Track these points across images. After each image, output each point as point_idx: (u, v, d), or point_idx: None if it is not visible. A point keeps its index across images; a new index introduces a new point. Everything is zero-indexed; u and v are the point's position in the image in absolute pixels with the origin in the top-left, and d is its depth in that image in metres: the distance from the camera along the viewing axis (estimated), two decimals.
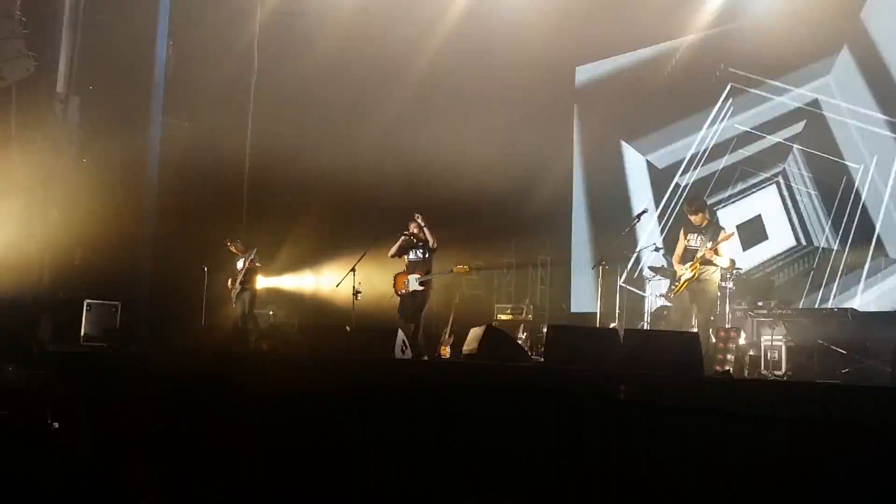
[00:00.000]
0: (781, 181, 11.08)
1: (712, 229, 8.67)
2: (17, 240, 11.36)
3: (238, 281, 11.46)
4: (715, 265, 8.61)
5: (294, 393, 5.58)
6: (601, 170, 13.23)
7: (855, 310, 9.51)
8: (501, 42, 12.93)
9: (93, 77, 12.15)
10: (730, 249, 8.79)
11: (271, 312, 12.81)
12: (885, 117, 10.12)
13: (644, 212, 9.27)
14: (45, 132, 11.62)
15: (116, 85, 12.27)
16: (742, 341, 9.20)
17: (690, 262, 8.63)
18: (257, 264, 11.56)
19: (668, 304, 9.86)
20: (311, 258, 13.12)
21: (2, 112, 11.52)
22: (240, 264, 11.56)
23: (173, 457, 5.95)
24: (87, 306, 11.50)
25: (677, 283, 8.79)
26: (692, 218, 8.72)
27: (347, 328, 9.43)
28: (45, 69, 11.89)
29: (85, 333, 11.36)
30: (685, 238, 8.83)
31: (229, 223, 12.80)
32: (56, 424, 6.81)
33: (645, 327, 10.15)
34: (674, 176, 12.01)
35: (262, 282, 12.05)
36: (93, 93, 12.12)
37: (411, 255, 9.93)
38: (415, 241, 9.86)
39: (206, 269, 11.53)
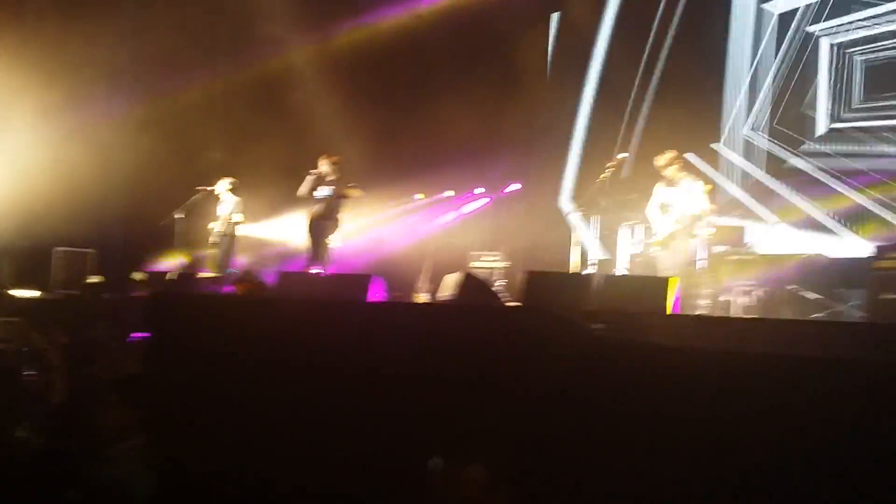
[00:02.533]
0: None
1: (686, 182, 8.70)
2: None
3: (219, 227, 11.34)
4: (694, 216, 8.67)
5: (269, 336, 5.56)
6: None
7: (826, 255, 9.62)
8: None
9: (60, 23, 11.85)
10: (704, 198, 8.82)
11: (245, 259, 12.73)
12: None
13: (623, 159, 9.26)
14: (12, 81, 11.35)
15: (84, 30, 11.99)
16: (716, 287, 9.31)
17: (670, 217, 8.72)
18: (237, 218, 11.38)
19: (644, 251, 9.92)
20: (285, 205, 13.03)
21: None
22: (222, 209, 11.40)
23: (150, 401, 5.93)
24: (55, 254, 11.36)
25: (658, 236, 8.87)
26: (664, 173, 8.74)
27: (321, 273, 9.43)
28: (11, 19, 11.58)
29: (54, 280, 11.25)
30: (661, 190, 8.87)
31: (204, 169, 12.65)
32: (29, 372, 6.77)
33: (620, 272, 10.21)
34: None
35: (241, 228, 11.93)
36: (62, 37, 11.82)
37: (318, 193, 10.00)
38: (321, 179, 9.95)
39: (180, 216, 11.38)
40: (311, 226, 9.98)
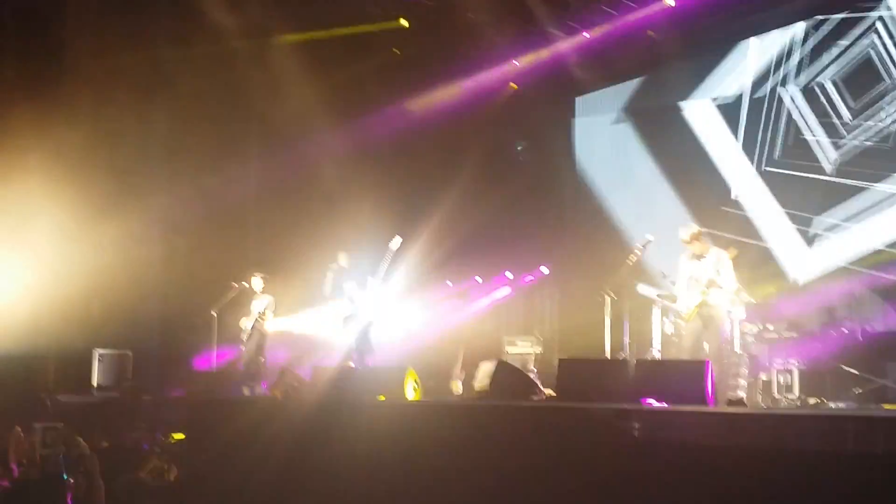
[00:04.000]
0: None
1: (713, 254, 8.64)
2: (26, 290, 11.42)
3: (251, 324, 11.44)
4: (721, 288, 8.57)
5: (305, 439, 5.61)
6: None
7: (865, 329, 9.51)
8: None
9: (91, 122, 12.26)
10: (732, 272, 8.73)
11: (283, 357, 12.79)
12: None
13: (649, 241, 9.26)
14: (44, 182, 11.71)
15: (116, 131, 12.37)
16: (754, 366, 9.20)
17: (697, 289, 8.62)
18: (269, 315, 11.48)
19: (677, 331, 9.84)
20: (319, 299, 13.16)
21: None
22: (255, 305, 11.54)
23: None
24: (97, 356, 11.53)
25: (687, 311, 8.74)
26: (689, 247, 8.67)
27: (356, 368, 9.45)
28: (42, 112, 12.00)
29: (97, 383, 11.38)
30: (687, 263, 8.80)
31: (236, 266, 12.84)
32: (71, 479, 6.82)
33: (655, 355, 10.13)
34: None
35: (273, 324, 12.00)
36: (92, 139, 12.22)
37: (349, 289, 10.06)
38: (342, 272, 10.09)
39: (215, 314, 11.51)
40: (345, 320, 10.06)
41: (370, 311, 10.13)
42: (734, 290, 8.90)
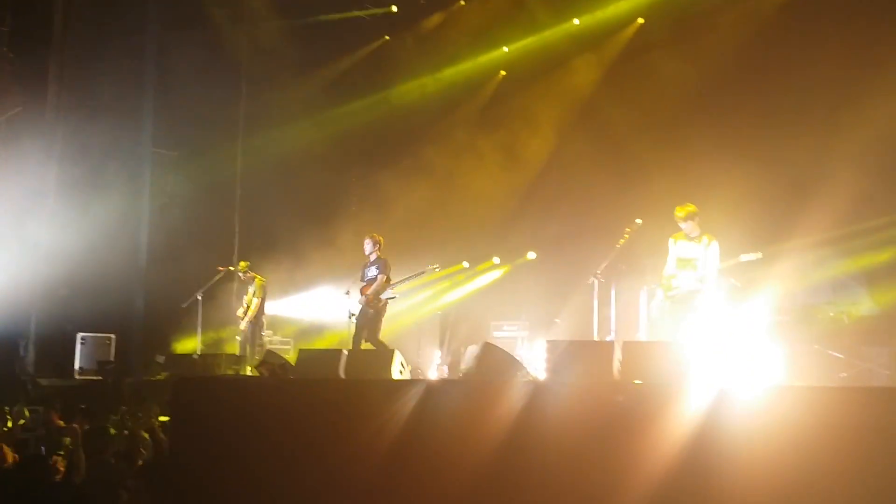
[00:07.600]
0: None
1: (704, 238, 8.58)
2: (5, 272, 11.30)
3: (247, 310, 11.28)
4: (707, 274, 8.52)
5: (291, 417, 5.55)
6: None
7: (850, 313, 9.52)
8: None
9: (80, 109, 12.15)
10: (718, 257, 8.67)
11: (266, 336, 12.71)
12: None
13: (637, 223, 9.21)
14: (32, 165, 11.58)
15: (105, 116, 12.26)
16: (737, 347, 9.17)
17: (693, 273, 8.55)
18: (255, 301, 11.33)
19: (662, 314, 9.80)
20: (305, 281, 13.09)
21: None
22: (244, 291, 11.42)
23: (168, 484, 5.90)
24: (80, 339, 11.44)
25: (671, 293, 8.70)
26: (682, 226, 8.61)
27: (344, 350, 9.37)
28: (32, 103, 11.90)
29: (80, 367, 11.30)
30: (675, 245, 8.73)
31: (222, 250, 12.76)
32: (53, 458, 6.76)
33: (641, 337, 10.10)
34: None
35: (264, 307, 11.88)
36: (81, 125, 12.10)
37: (369, 274, 9.86)
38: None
39: (199, 297, 11.43)
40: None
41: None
42: (718, 274, 8.85)
